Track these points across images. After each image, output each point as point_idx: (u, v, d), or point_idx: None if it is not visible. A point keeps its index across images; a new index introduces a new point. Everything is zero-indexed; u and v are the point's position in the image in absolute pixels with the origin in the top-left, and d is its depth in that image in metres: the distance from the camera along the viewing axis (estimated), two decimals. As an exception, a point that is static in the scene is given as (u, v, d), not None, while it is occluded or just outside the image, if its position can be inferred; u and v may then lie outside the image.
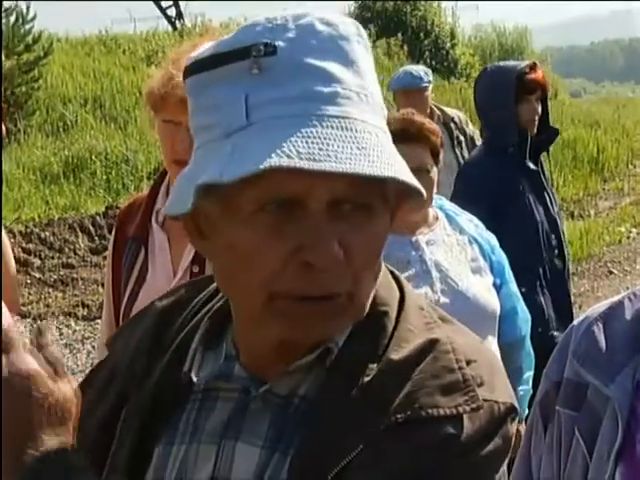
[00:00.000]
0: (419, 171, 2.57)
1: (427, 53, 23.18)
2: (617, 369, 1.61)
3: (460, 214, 2.95)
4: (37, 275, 9.48)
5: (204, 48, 1.13)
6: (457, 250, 2.82)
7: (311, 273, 1.04)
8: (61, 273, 9.60)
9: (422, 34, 23.62)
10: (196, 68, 1.12)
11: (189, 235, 1.16)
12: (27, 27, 14.91)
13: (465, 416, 1.10)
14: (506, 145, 4.04)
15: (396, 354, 1.13)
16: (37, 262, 9.74)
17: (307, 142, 1.01)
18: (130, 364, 1.24)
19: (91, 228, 10.58)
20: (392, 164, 1.03)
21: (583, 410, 1.29)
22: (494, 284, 2.84)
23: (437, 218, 2.89)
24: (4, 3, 14.43)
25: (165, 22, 23.99)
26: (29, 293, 9.06)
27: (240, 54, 1.06)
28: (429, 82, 6.13)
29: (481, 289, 2.76)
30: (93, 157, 13.17)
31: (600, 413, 1.61)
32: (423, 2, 24.31)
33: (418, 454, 1.07)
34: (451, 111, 6.46)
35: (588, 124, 19.83)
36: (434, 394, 1.11)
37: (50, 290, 9.24)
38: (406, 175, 1.04)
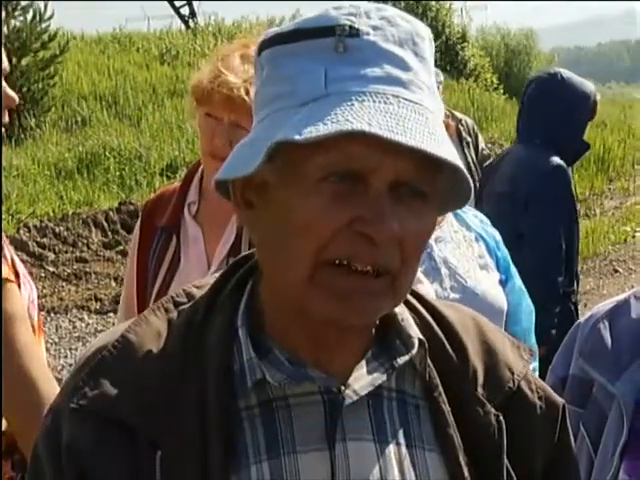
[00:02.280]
0: None
1: (437, 54, 23.12)
2: (623, 367, 1.66)
3: (466, 211, 2.94)
4: (51, 269, 9.54)
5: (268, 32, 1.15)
6: (464, 247, 2.82)
7: (365, 245, 1.05)
8: (75, 267, 9.65)
9: (433, 35, 23.57)
10: (277, 40, 1.12)
11: (235, 204, 1.15)
12: (44, 25, 14.97)
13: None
14: (575, 156, 4.31)
15: (454, 332, 1.22)
16: (51, 256, 9.79)
17: (385, 117, 1.02)
18: (149, 410, 1.11)
19: (104, 223, 10.61)
20: (455, 156, 1.05)
21: (588, 407, 1.33)
22: (500, 280, 2.85)
23: (444, 215, 2.83)
24: (21, 2, 14.54)
25: (178, 21, 24.08)
26: (43, 286, 9.08)
27: (325, 31, 1.08)
28: (440, 82, 6.16)
29: (489, 285, 2.76)
30: (107, 153, 13.21)
31: (605, 410, 1.65)
32: (434, 2, 24.31)
33: (536, 408, 1.23)
34: (459, 114, 6.53)
35: (595, 124, 19.63)
36: (509, 357, 1.24)
37: (64, 284, 9.29)
38: (466, 174, 1.08)
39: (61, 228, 10.39)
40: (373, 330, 1.18)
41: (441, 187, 1.10)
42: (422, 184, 1.07)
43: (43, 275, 9.41)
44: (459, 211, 2.90)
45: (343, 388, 1.13)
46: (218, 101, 2.34)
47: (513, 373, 1.22)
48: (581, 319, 1.81)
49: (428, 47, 1.13)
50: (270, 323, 1.16)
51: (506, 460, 1.18)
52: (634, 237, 12.20)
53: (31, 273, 9.22)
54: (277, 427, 1.12)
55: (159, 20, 26.39)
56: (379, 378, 1.15)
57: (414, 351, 1.15)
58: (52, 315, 8.39)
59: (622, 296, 1.78)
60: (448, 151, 1.04)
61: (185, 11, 24.23)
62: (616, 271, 10.51)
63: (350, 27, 1.08)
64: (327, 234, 1.05)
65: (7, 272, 1.93)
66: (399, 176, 1.05)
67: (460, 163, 1.05)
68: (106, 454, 1.11)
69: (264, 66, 1.13)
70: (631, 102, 28.22)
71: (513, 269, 2.95)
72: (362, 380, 1.14)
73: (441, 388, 1.18)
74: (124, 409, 1.12)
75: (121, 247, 9.99)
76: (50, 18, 14.96)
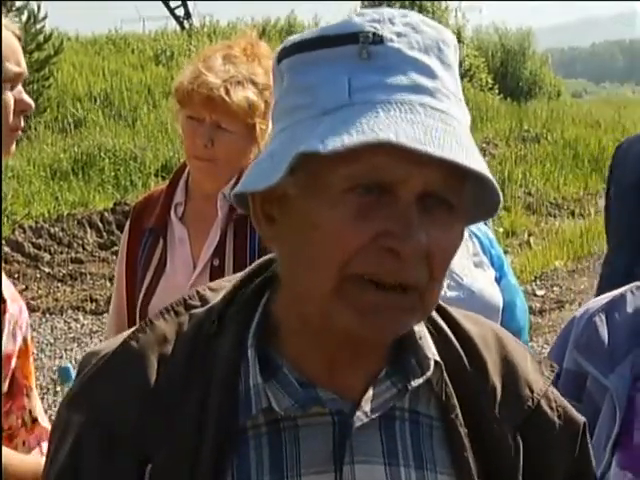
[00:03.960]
0: None
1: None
2: (617, 360, 1.67)
3: None
4: (46, 270, 9.53)
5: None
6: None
7: (391, 260, 1.01)
8: (70, 268, 9.64)
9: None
10: (298, 48, 1.09)
11: (255, 219, 1.11)
12: (38, 26, 14.97)
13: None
14: None
15: (474, 348, 1.19)
16: (46, 257, 9.78)
17: (412, 126, 0.99)
18: (143, 423, 1.09)
19: (99, 224, 10.57)
20: (484, 166, 1.02)
21: (582, 400, 1.31)
22: (495, 278, 2.85)
23: None
24: (17, 3, 14.54)
25: (173, 22, 24.10)
26: (38, 287, 9.11)
27: (348, 38, 1.05)
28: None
29: (485, 283, 2.77)
30: (102, 154, 13.20)
31: (599, 403, 1.66)
32: (429, 3, 24.36)
33: (555, 427, 1.21)
34: None
35: (589, 124, 19.87)
36: (529, 374, 1.21)
37: (59, 284, 9.29)
38: (495, 184, 1.04)
39: (56, 229, 10.37)
40: (388, 348, 1.14)
41: (468, 197, 1.07)
42: (449, 195, 1.04)
43: (38, 276, 9.41)
44: None
45: (354, 409, 1.10)
46: (198, 102, 2.35)
47: (533, 391, 1.20)
48: (576, 313, 1.82)
49: (453, 54, 1.09)
50: (284, 338, 1.13)
51: None
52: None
53: (26, 274, 9.28)
54: (283, 447, 1.09)
55: (154, 21, 26.44)
56: (392, 400, 1.12)
57: (429, 373, 1.12)
58: (47, 316, 8.39)
59: (618, 290, 1.78)
60: (477, 161, 1.01)
61: (180, 12, 24.25)
62: (610, 270, 10.51)
63: (374, 34, 1.04)
64: (353, 248, 1.02)
65: None
66: (427, 187, 1.02)
67: (489, 173, 1.01)
68: (97, 465, 1.09)
69: (284, 75, 1.10)
70: (625, 102, 28.29)
71: (507, 267, 2.95)
72: (374, 401, 1.11)
73: (458, 409, 1.14)
74: (116, 421, 1.09)
75: (116, 248, 9.93)
76: (44, 19, 14.99)
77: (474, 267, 2.79)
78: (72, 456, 1.11)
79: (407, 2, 23.69)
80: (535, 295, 9.19)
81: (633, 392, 1.65)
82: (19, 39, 1.92)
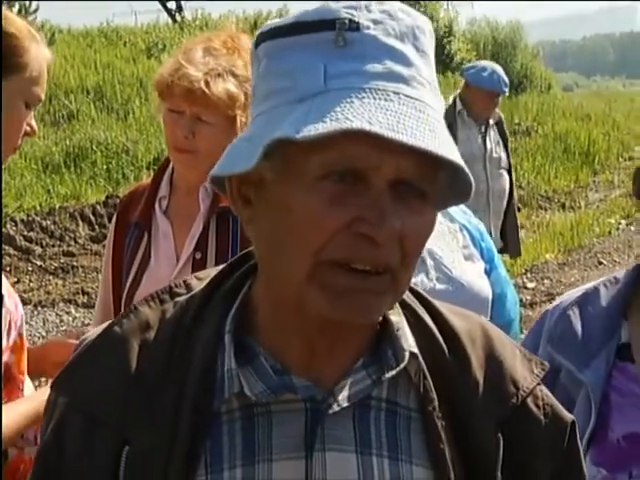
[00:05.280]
0: None
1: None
2: (592, 354, 1.68)
3: None
4: (38, 263, 9.53)
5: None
6: (449, 238, 2.82)
7: (365, 245, 1.03)
8: (62, 261, 9.65)
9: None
10: (276, 33, 1.09)
11: (232, 201, 1.12)
12: (30, 19, 14.96)
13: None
14: None
15: (458, 342, 1.18)
16: (38, 250, 9.79)
17: (386, 114, 1.00)
18: (123, 406, 1.12)
19: (91, 217, 10.60)
20: (457, 155, 1.03)
21: (555, 394, 1.27)
22: (485, 270, 2.86)
23: None
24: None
25: (165, 15, 24.04)
26: (30, 280, 9.11)
27: (325, 25, 1.06)
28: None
29: (474, 276, 2.77)
30: (94, 147, 13.15)
31: (573, 397, 1.67)
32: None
33: (541, 425, 1.20)
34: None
35: (579, 117, 19.89)
36: (516, 371, 1.20)
37: (51, 277, 9.29)
38: (467, 172, 1.05)
39: (48, 222, 10.37)
40: (367, 339, 1.15)
41: (441, 184, 1.08)
42: (423, 182, 1.05)
43: (30, 269, 9.41)
44: None
45: (327, 397, 1.11)
46: (179, 94, 2.35)
47: (519, 388, 1.19)
48: (549, 307, 1.83)
49: (429, 41, 1.10)
50: (262, 326, 1.14)
51: (499, 476, 1.16)
52: (618, 229, 12.27)
53: (18, 267, 9.27)
54: (255, 433, 1.11)
55: (146, 15, 26.37)
56: (366, 390, 1.13)
57: (403, 365, 1.13)
58: (39, 309, 8.38)
59: (591, 284, 1.79)
60: (450, 149, 1.02)
61: (172, 5, 24.18)
62: (600, 263, 10.56)
63: (350, 20, 1.05)
64: (327, 235, 1.03)
65: None
66: (400, 174, 1.03)
67: (461, 161, 1.03)
68: (78, 446, 1.13)
69: (261, 59, 1.11)
70: (615, 95, 28.35)
71: (497, 259, 2.97)
72: (347, 390, 1.12)
73: (436, 402, 1.15)
74: (97, 404, 1.12)
75: (108, 241, 9.96)
76: (36, 11, 14.95)
77: (464, 260, 2.79)
78: (56, 436, 1.16)
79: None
80: (526, 288, 9.23)
81: (608, 387, 1.66)
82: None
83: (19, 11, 14.70)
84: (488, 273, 2.88)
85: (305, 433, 1.10)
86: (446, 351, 1.18)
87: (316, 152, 1.02)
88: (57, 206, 10.97)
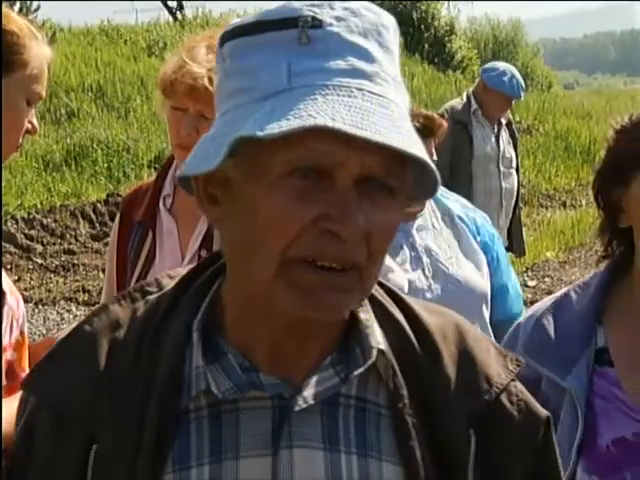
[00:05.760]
0: None
1: (426, 46, 23.23)
2: (572, 361, 1.69)
3: (447, 196, 2.95)
4: (39, 261, 9.55)
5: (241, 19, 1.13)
6: (446, 233, 2.83)
7: (331, 242, 1.03)
8: (62, 259, 9.67)
9: (423, 27, 23.65)
10: (239, 32, 1.10)
11: (198, 200, 1.13)
12: (31, 17, 14.96)
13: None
14: None
15: (430, 339, 1.18)
16: (39, 248, 9.80)
17: (349, 111, 1.00)
18: (91, 404, 1.12)
19: (92, 215, 10.63)
20: (422, 150, 1.04)
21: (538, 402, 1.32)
22: (485, 263, 2.85)
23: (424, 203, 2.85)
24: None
25: (166, 13, 24.06)
26: (31, 278, 9.13)
27: (287, 23, 1.06)
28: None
29: (470, 271, 2.77)
30: (95, 145, 13.15)
31: (557, 404, 1.67)
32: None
33: (514, 421, 1.20)
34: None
35: (580, 115, 19.89)
36: (490, 367, 1.20)
37: (52, 275, 9.31)
38: (433, 168, 1.06)
39: (49, 220, 10.40)
40: (335, 336, 1.16)
41: (409, 180, 1.08)
42: (388, 178, 1.05)
43: (31, 267, 9.43)
44: (439, 196, 2.90)
45: (294, 395, 1.11)
46: (182, 91, 2.35)
47: (492, 384, 1.19)
48: (520, 319, 1.83)
49: (393, 37, 1.11)
50: (230, 324, 1.15)
51: (471, 473, 1.16)
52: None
53: (19, 265, 9.28)
54: (223, 430, 1.11)
55: (147, 13, 26.41)
56: (334, 387, 1.13)
57: (370, 362, 1.13)
58: (40, 307, 8.40)
59: (561, 292, 1.80)
60: (414, 145, 1.02)
61: (173, 3, 24.19)
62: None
63: (313, 18, 1.06)
64: (292, 232, 1.03)
65: None
66: (365, 171, 1.04)
67: (426, 156, 1.03)
68: (47, 443, 1.14)
69: (226, 58, 1.11)
70: (617, 93, 28.33)
71: (497, 252, 2.95)
72: (315, 387, 1.12)
73: (407, 399, 1.15)
74: (65, 403, 1.13)
75: (109, 239, 9.96)
76: (37, 10, 14.96)
77: (461, 255, 2.80)
78: (26, 433, 1.17)
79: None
80: (527, 286, 9.23)
81: (590, 394, 1.67)
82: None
83: (20, 9, 14.70)
84: (488, 264, 2.87)
85: (272, 430, 1.11)
86: (417, 347, 1.18)
87: (280, 150, 1.02)
88: (58, 204, 11.00)
